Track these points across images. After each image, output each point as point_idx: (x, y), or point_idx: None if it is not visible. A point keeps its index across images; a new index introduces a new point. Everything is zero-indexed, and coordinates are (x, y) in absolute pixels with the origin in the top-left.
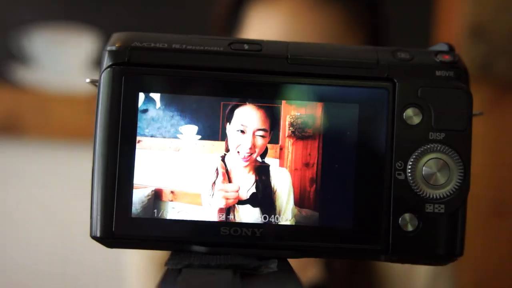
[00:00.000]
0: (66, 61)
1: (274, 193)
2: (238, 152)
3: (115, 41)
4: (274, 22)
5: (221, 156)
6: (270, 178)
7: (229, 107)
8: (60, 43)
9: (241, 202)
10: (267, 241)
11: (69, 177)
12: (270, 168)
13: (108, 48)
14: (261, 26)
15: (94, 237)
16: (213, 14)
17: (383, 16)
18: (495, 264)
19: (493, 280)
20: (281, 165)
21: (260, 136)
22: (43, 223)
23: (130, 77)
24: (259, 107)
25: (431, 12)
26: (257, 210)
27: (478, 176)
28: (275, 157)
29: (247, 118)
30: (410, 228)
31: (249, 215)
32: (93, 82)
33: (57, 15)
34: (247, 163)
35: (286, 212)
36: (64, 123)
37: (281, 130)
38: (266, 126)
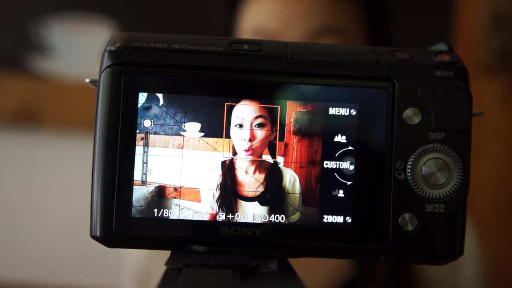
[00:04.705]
0: (83, 51)
1: (283, 191)
2: (240, 146)
3: (115, 41)
4: (266, 13)
5: (226, 158)
6: (278, 177)
7: (227, 108)
8: (78, 33)
9: (249, 199)
10: (267, 241)
11: (86, 166)
12: (279, 166)
13: (108, 48)
14: (256, 19)
15: (93, 237)
16: (213, 15)
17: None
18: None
19: (508, 272)
20: (286, 162)
21: (259, 124)
22: (61, 212)
23: (129, 77)
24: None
25: (451, 2)
26: (265, 209)
27: (497, 167)
28: (280, 154)
29: (243, 111)
30: (410, 227)
31: (255, 214)
32: (93, 82)
33: (75, 5)
34: (250, 157)
35: (293, 211)
36: (81, 113)
37: (286, 127)
38: (263, 113)
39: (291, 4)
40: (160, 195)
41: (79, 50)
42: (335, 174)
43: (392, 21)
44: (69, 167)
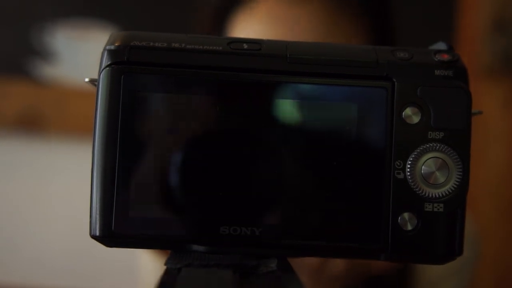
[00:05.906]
0: (86, 56)
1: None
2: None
3: (114, 40)
4: (253, 27)
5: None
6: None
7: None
8: (81, 39)
9: (248, 199)
10: (267, 240)
11: (89, 172)
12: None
13: (107, 47)
14: (242, 33)
15: (93, 236)
16: (197, 23)
17: (387, 7)
18: None
19: (510, 273)
20: None
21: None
22: (63, 217)
23: (129, 76)
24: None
25: (453, 5)
26: (264, 209)
27: (500, 169)
28: None
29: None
30: (409, 227)
31: (255, 213)
32: (92, 81)
33: (78, 11)
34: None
35: (293, 211)
36: (84, 118)
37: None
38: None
39: (283, 23)
40: (160, 196)
41: (82, 56)
42: (334, 173)
43: (398, 36)
44: (71, 172)
